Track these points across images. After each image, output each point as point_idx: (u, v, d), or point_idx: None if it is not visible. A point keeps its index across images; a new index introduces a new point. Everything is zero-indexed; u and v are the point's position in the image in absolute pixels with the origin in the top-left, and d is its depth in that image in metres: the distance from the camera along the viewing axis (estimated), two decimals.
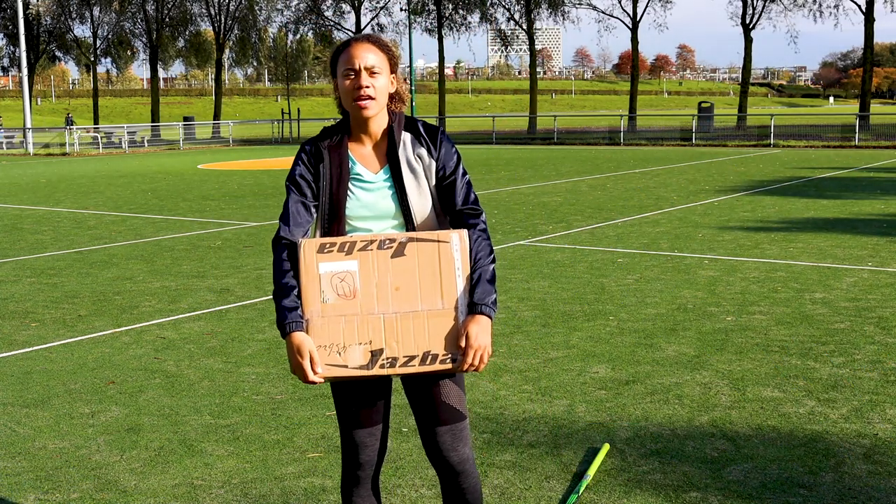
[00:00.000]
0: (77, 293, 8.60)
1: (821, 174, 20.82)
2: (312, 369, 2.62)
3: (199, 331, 7.05)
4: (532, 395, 5.32)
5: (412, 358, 2.60)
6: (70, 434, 4.86)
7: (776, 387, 5.40)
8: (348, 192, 2.76)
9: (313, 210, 2.79)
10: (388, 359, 2.60)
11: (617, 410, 5.05)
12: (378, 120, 2.79)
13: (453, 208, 2.80)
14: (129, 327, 7.22)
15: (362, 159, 2.81)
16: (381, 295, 2.62)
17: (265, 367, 6.03)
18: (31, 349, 6.62)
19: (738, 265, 9.36)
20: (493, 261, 2.76)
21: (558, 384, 5.53)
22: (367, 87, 2.70)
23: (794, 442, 4.54)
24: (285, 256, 2.73)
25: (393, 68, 2.79)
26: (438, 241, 2.65)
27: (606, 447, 4.45)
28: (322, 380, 2.63)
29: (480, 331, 2.64)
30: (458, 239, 2.66)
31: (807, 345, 6.29)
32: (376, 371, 2.60)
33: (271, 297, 8.16)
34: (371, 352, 2.59)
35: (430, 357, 2.60)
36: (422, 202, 2.78)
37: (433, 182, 2.80)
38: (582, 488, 4.00)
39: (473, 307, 2.67)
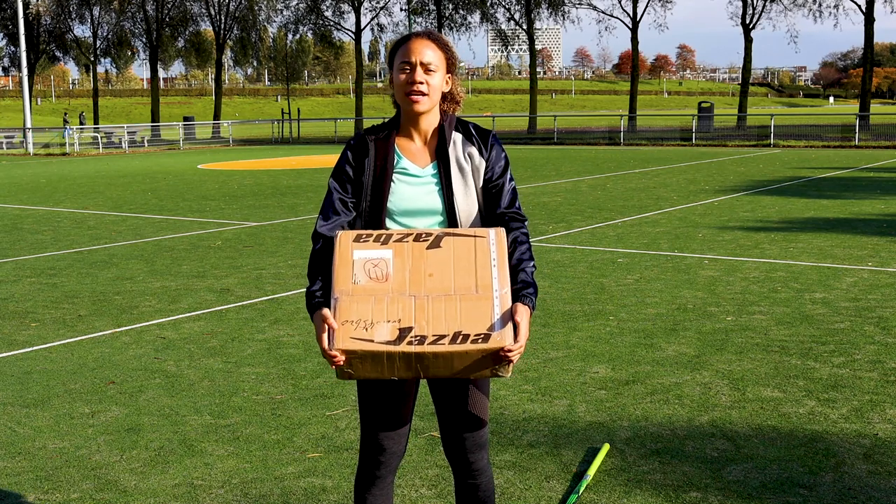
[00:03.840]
0: (77, 293, 8.60)
1: (821, 174, 20.82)
2: (330, 341, 2.48)
3: (199, 331, 7.05)
4: (532, 395, 5.32)
5: (442, 337, 2.47)
6: (70, 434, 4.86)
7: (776, 387, 5.40)
8: (392, 185, 2.74)
9: (351, 206, 2.77)
10: (416, 336, 2.47)
11: (617, 410, 5.05)
12: (429, 118, 2.78)
13: (496, 211, 2.77)
14: (129, 327, 7.22)
15: (409, 154, 2.79)
16: (413, 279, 2.56)
17: (265, 367, 6.03)
18: (31, 349, 6.62)
19: (738, 265, 9.36)
20: (534, 266, 2.72)
21: (558, 384, 5.53)
22: (421, 82, 2.68)
23: (794, 442, 4.54)
24: (320, 248, 2.72)
25: (450, 68, 2.77)
26: (475, 237, 2.63)
27: (606, 447, 4.46)
28: (342, 357, 2.48)
29: (524, 321, 2.52)
30: (494, 234, 2.63)
31: (807, 345, 6.29)
32: (403, 348, 2.46)
33: (274, 296, 8.26)
34: (399, 329, 2.48)
35: (460, 337, 2.47)
36: (467, 202, 2.75)
37: (480, 183, 2.78)
38: (582, 488, 4.00)
39: (516, 295, 2.59)
